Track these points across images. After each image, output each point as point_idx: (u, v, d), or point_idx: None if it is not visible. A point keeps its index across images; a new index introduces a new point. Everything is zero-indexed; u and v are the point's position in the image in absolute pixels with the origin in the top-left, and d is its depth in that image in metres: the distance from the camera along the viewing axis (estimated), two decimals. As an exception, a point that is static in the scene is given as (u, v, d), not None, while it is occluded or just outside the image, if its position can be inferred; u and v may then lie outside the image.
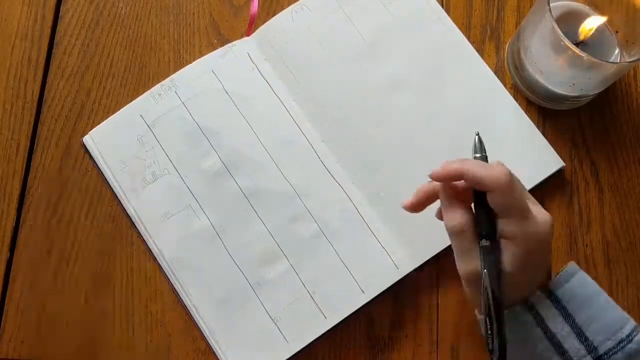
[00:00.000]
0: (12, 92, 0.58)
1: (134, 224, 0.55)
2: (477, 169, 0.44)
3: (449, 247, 0.47)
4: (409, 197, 0.47)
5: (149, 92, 0.57)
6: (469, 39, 0.60)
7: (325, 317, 0.52)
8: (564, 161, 0.57)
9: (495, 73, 0.59)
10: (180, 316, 0.54)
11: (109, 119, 0.56)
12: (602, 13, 0.56)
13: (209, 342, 0.52)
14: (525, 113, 0.58)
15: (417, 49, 0.59)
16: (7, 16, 0.60)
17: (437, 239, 0.53)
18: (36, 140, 0.57)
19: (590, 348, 0.44)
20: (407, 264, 0.53)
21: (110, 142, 0.56)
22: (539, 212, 0.45)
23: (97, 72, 0.59)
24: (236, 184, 0.55)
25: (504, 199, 0.43)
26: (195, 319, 0.53)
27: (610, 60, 0.56)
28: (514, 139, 0.57)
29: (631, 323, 0.45)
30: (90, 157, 0.56)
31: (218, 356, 0.52)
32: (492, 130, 0.56)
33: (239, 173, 0.56)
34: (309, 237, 0.54)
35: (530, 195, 0.47)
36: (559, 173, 0.56)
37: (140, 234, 0.55)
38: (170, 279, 0.54)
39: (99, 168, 0.56)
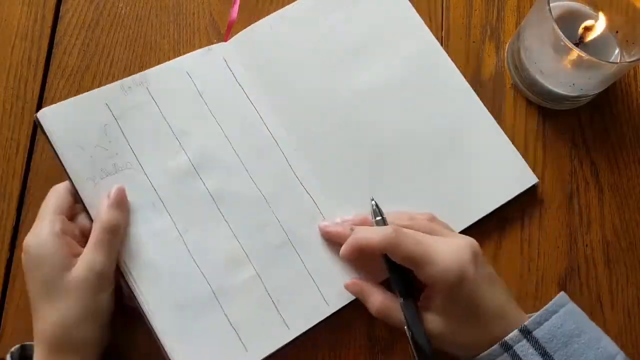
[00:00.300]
0: (12, 92, 0.58)
1: (88, 214, 0.51)
2: (367, 235, 0.48)
3: None
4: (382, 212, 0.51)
5: (118, 82, 0.55)
6: (468, 39, 0.60)
7: (288, 328, 0.51)
8: (564, 161, 0.57)
9: (496, 73, 0.59)
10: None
11: (69, 99, 0.54)
12: (602, 13, 0.56)
13: (162, 347, 0.49)
14: (525, 113, 0.59)
15: (395, 60, 0.58)
16: (7, 16, 0.60)
17: None
18: (36, 140, 0.57)
19: None
20: None
21: (69, 123, 0.53)
22: (446, 254, 0.45)
23: (97, 72, 0.59)
24: (203, 185, 0.54)
25: (397, 255, 0.46)
26: (150, 322, 0.50)
27: (610, 60, 0.56)
28: (488, 154, 0.56)
29: (616, 353, 0.44)
30: (45, 135, 0.53)
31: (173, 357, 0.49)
32: (467, 144, 0.56)
33: (207, 174, 0.54)
34: (276, 245, 0.53)
35: (444, 231, 0.49)
36: (534, 188, 0.56)
37: None
38: (127, 277, 0.51)
39: (54, 148, 0.52)
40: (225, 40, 0.59)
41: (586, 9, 0.57)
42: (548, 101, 0.58)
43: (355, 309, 0.53)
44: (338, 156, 0.56)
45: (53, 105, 0.53)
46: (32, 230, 0.48)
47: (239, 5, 0.60)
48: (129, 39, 0.60)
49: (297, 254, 0.53)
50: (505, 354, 0.44)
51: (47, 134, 0.52)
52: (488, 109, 0.58)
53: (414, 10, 0.60)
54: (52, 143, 0.52)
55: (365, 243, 0.48)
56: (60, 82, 0.58)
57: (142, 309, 0.50)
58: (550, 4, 0.50)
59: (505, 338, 0.44)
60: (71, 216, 0.51)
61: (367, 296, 0.50)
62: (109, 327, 0.49)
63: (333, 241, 0.52)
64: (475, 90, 0.59)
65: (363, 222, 0.52)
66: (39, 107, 0.58)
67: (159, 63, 0.58)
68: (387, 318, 0.48)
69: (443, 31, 0.61)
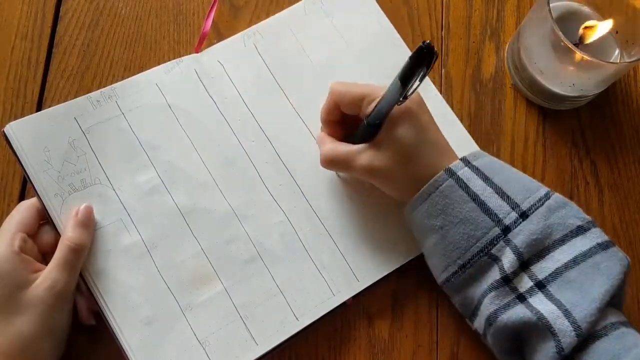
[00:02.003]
0: (12, 92, 0.58)
1: (56, 230, 0.51)
2: (322, 109, 0.53)
3: (391, 273, 0.53)
4: (353, 225, 0.54)
5: (86, 96, 0.54)
6: (468, 39, 0.60)
7: (257, 344, 0.51)
8: (564, 161, 0.57)
9: (496, 73, 0.60)
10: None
11: (37, 113, 0.54)
12: (602, 13, 0.56)
13: None
14: (525, 113, 0.59)
15: (369, 76, 0.57)
16: (7, 16, 0.60)
17: (377, 268, 0.53)
18: (36, 140, 0.57)
19: (513, 205, 0.47)
20: (345, 291, 0.52)
21: (37, 138, 0.52)
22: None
23: (97, 72, 0.59)
24: (172, 201, 0.53)
25: (345, 95, 0.51)
26: (118, 337, 0.49)
27: (610, 60, 0.56)
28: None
29: (545, 188, 0.48)
30: (12, 149, 0.52)
31: None
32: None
33: (177, 189, 0.54)
34: (245, 260, 0.52)
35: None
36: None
37: None
38: (94, 293, 0.50)
39: (21, 163, 0.52)
40: (197, 52, 0.58)
41: (586, 9, 0.57)
42: (548, 101, 0.58)
43: (355, 309, 0.53)
44: (311, 169, 0.55)
45: (20, 119, 0.53)
46: None
47: (214, 17, 0.60)
48: (129, 39, 0.60)
49: (267, 268, 0.53)
50: (450, 179, 0.47)
51: (15, 149, 0.52)
52: (488, 108, 0.58)
53: (390, 24, 0.59)
54: (20, 158, 0.52)
55: (322, 110, 0.53)
56: (60, 82, 0.58)
57: (109, 325, 0.50)
58: (550, 4, 0.50)
59: (450, 165, 0.48)
60: (35, 233, 0.50)
61: (321, 144, 0.52)
62: (66, 341, 0.50)
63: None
64: (475, 91, 0.59)
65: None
66: (39, 107, 0.58)
67: (159, 63, 0.58)
68: (334, 158, 0.51)
69: (443, 31, 0.61)
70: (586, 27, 0.55)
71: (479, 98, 0.59)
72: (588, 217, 0.47)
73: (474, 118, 0.58)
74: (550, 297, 0.45)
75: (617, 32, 0.56)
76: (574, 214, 0.47)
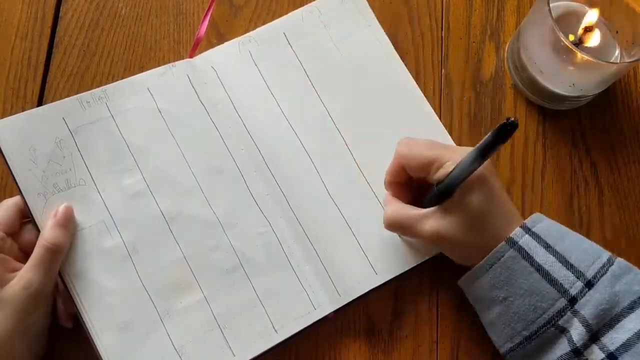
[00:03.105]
0: (12, 92, 0.58)
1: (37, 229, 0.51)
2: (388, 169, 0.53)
3: (376, 288, 0.53)
4: (336, 238, 0.54)
5: (77, 96, 0.54)
6: (468, 39, 0.60)
7: (234, 355, 0.50)
8: (564, 161, 0.57)
9: (495, 73, 0.60)
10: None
11: (26, 112, 0.53)
12: (602, 13, 0.56)
13: None
14: (525, 113, 0.59)
15: (363, 90, 0.58)
16: (7, 16, 0.60)
17: (361, 282, 0.53)
18: (36, 140, 0.57)
19: (578, 274, 0.46)
20: (326, 305, 0.52)
21: (22, 136, 0.52)
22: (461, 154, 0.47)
23: (97, 72, 0.59)
24: (157, 206, 0.53)
25: (412, 158, 0.50)
26: (93, 340, 0.49)
27: (610, 61, 0.56)
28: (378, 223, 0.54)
29: (607, 252, 0.47)
30: None
31: None
32: (355, 211, 0.55)
33: (162, 194, 0.53)
34: (227, 269, 0.52)
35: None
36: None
37: None
38: (72, 294, 0.50)
39: (6, 161, 0.52)
40: (191, 57, 0.58)
41: (586, 9, 0.57)
42: (548, 101, 0.58)
43: (355, 309, 0.53)
44: (298, 180, 0.55)
45: (8, 118, 0.52)
46: None
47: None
48: (129, 39, 0.60)
49: (248, 279, 0.52)
50: (512, 250, 0.46)
51: (1, 147, 0.52)
52: (488, 108, 0.58)
53: (387, 40, 0.59)
54: (5, 156, 0.52)
55: (388, 172, 0.52)
56: (60, 82, 0.58)
57: (86, 327, 0.49)
58: (550, 4, 0.50)
59: (510, 235, 0.47)
60: (16, 231, 0.50)
61: (386, 205, 0.52)
62: (45, 338, 0.50)
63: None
64: (475, 91, 0.59)
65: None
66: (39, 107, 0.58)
67: (159, 63, 0.58)
68: (398, 221, 0.50)
69: (443, 31, 0.61)
70: (586, 28, 0.55)
71: (479, 98, 0.59)
72: None
73: (474, 118, 0.58)
74: None
75: (617, 32, 0.56)
76: (639, 280, 0.46)
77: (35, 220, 0.51)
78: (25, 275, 0.47)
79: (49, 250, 0.48)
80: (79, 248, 0.51)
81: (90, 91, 0.54)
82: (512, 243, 0.46)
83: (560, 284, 0.45)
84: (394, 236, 0.54)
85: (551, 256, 0.46)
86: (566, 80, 0.54)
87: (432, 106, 0.58)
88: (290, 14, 0.59)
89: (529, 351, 0.47)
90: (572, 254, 0.46)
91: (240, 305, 0.51)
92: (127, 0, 0.61)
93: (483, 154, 0.43)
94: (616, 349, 0.44)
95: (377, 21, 0.59)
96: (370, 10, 0.60)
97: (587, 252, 0.47)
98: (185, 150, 0.55)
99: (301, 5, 0.60)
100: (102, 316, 0.50)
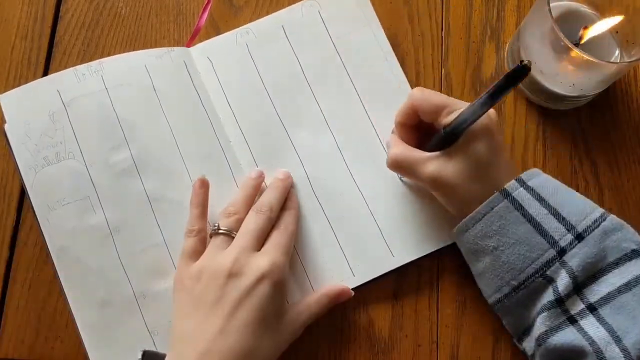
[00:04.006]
0: (12, 92, 0.58)
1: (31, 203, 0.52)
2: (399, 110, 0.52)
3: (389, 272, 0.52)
4: (317, 240, 0.54)
5: (73, 68, 0.54)
6: (468, 39, 0.60)
7: None
8: (564, 161, 0.57)
9: (496, 73, 0.60)
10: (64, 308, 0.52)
11: (26, 85, 0.54)
12: (602, 13, 0.56)
13: (82, 340, 0.51)
14: (526, 113, 0.59)
15: (358, 89, 0.57)
16: (7, 16, 0.60)
17: (377, 264, 0.53)
18: (36, 140, 0.57)
19: (569, 227, 0.46)
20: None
21: (20, 109, 0.53)
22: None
23: (97, 72, 0.59)
24: (142, 186, 0.53)
25: (425, 103, 0.50)
26: (73, 316, 0.51)
27: (610, 61, 0.56)
28: (400, 207, 0.55)
29: (600, 208, 0.48)
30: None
31: (91, 355, 0.50)
32: (377, 195, 0.55)
33: (148, 175, 0.53)
34: None
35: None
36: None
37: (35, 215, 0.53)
38: (56, 268, 0.51)
39: (6, 135, 0.53)
40: (188, 46, 0.58)
41: (586, 9, 0.57)
42: (548, 101, 0.58)
43: (355, 308, 0.53)
44: (293, 171, 0.55)
45: (8, 92, 0.53)
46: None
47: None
48: (129, 39, 0.60)
49: None
50: (506, 200, 0.47)
51: (5, 119, 0.52)
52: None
53: (387, 42, 0.58)
54: (5, 131, 0.52)
55: (398, 112, 0.52)
56: (60, 82, 0.58)
57: (67, 302, 0.50)
58: (550, 4, 0.50)
59: (505, 186, 0.47)
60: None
61: (391, 145, 0.52)
62: None
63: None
64: (475, 91, 0.59)
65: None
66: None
67: (159, 63, 0.57)
68: (402, 161, 0.51)
69: (443, 31, 0.61)
70: (586, 28, 0.55)
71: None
72: None
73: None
74: (601, 321, 0.44)
75: (617, 32, 0.56)
76: (629, 237, 0.47)
77: (29, 194, 0.51)
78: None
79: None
80: (64, 223, 0.51)
81: (86, 63, 0.54)
82: (506, 194, 0.47)
83: (551, 235, 0.46)
84: (413, 220, 0.54)
85: (544, 209, 0.47)
86: (566, 80, 0.54)
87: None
88: (290, 7, 0.59)
89: (516, 301, 0.48)
90: (565, 208, 0.47)
91: None
92: (127, 0, 0.61)
93: (493, 97, 0.43)
94: (596, 301, 0.45)
95: (377, 20, 0.59)
96: (371, 7, 0.59)
97: (580, 206, 0.47)
98: (175, 133, 0.54)
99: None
100: (81, 293, 0.50)
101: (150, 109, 0.55)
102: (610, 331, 0.44)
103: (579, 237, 0.46)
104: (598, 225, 0.46)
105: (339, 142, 0.56)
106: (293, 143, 0.56)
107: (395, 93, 0.57)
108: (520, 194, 0.47)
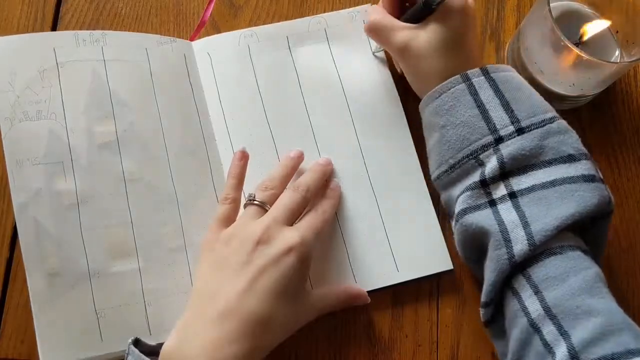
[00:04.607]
0: (12, 92, 0.58)
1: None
2: None
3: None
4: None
5: (74, 31, 0.54)
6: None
7: (151, 334, 0.50)
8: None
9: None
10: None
11: (22, 35, 0.53)
12: (602, 13, 0.56)
13: (32, 307, 0.49)
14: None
15: (351, 110, 0.57)
16: (7, 16, 0.60)
17: (381, 276, 0.53)
18: (36, 140, 0.57)
19: (514, 120, 0.48)
20: None
21: (8, 56, 0.52)
22: None
23: (97, 72, 0.59)
24: (120, 163, 0.52)
25: None
26: (27, 278, 0.49)
27: (611, 60, 0.56)
28: (414, 225, 0.54)
29: (555, 113, 0.49)
30: None
31: (35, 323, 0.49)
32: (394, 207, 0.55)
33: (129, 154, 0.52)
34: (170, 247, 0.52)
35: None
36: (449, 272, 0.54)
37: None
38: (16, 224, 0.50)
39: None
40: (192, 40, 0.58)
41: (586, 9, 0.57)
42: (548, 101, 0.58)
43: (355, 308, 0.53)
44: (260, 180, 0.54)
45: (6, 37, 0.52)
46: None
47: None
48: (129, 38, 0.60)
49: (188, 263, 0.52)
50: (463, 84, 0.49)
51: None
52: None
53: (388, 72, 0.58)
54: None
55: None
56: (60, 82, 0.58)
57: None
58: (550, 4, 0.50)
59: (467, 71, 0.49)
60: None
61: (371, 12, 0.53)
62: None
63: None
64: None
65: None
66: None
67: (159, 63, 0.57)
68: (378, 25, 0.52)
69: (443, 31, 0.61)
70: (585, 26, 0.55)
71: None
72: (584, 149, 0.48)
73: (474, 118, 0.58)
74: (517, 207, 0.46)
75: (617, 32, 0.56)
76: (570, 143, 0.48)
77: (4, 145, 0.50)
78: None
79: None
80: (31, 182, 0.50)
81: (89, 30, 0.54)
82: (466, 78, 0.49)
83: (494, 123, 0.48)
84: (424, 239, 0.54)
85: (497, 99, 0.48)
86: (566, 80, 0.54)
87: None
88: (297, 19, 0.59)
89: (450, 179, 0.50)
90: (518, 104, 0.48)
91: (171, 286, 0.51)
92: (127, 0, 0.61)
93: None
94: (519, 190, 0.47)
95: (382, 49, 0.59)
96: None
97: (534, 106, 0.48)
98: (163, 120, 0.54)
99: (301, 7, 0.60)
100: (35, 256, 0.49)
101: (143, 90, 0.54)
102: (522, 217, 0.45)
103: (520, 131, 0.47)
104: (543, 125, 0.47)
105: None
106: (277, 151, 0.56)
107: (389, 125, 0.57)
108: (479, 81, 0.49)
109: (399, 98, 0.57)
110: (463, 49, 0.50)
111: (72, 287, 0.49)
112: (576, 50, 0.50)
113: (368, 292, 0.52)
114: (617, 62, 0.55)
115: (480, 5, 0.61)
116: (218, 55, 0.58)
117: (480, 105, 0.48)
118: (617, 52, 0.56)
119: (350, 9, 0.60)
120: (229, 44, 0.58)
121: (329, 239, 0.54)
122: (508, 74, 0.50)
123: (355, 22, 0.59)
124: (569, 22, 0.55)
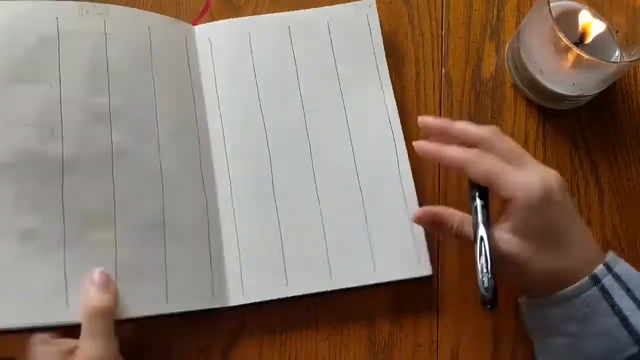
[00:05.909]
0: (12, 92, 0.58)
1: None
2: (453, 153, 0.48)
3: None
4: (283, 230, 0.53)
5: (78, 2, 0.53)
6: (468, 39, 0.60)
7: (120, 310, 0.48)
8: (564, 161, 0.57)
9: (496, 73, 0.60)
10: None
11: (27, 2, 0.52)
12: (602, 13, 0.56)
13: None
14: (526, 113, 0.59)
15: (347, 111, 0.57)
16: (7, 16, 0.60)
17: (358, 274, 0.53)
18: (36, 140, 0.57)
19: None
20: (250, 294, 0.51)
21: (8, 22, 0.51)
22: (530, 171, 0.45)
23: (97, 71, 0.59)
24: (109, 134, 0.51)
25: (477, 167, 0.46)
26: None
27: (611, 60, 0.56)
28: (397, 229, 0.54)
29: None
30: None
31: None
32: (379, 210, 0.54)
33: (119, 127, 0.52)
34: (148, 223, 0.51)
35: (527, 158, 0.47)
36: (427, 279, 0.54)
37: None
38: None
39: None
40: (194, 24, 0.59)
41: (586, 9, 0.57)
42: (548, 101, 0.58)
43: (355, 308, 0.53)
44: (262, 171, 0.55)
45: (8, 1, 0.51)
46: None
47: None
48: (129, 38, 0.60)
49: (165, 243, 0.51)
50: (595, 288, 0.44)
51: None
52: (488, 108, 0.58)
53: (386, 69, 0.58)
54: None
55: (448, 155, 0.48)
56: (60, 82, 0.58)
57: None
58: (550, 4, 0.50)
59: (595, 271, 0.44)
60: None
61: (446, 217, 0.48)
62: None
63: (427, 133, 0.50)
64: (475, 90, 0.59)
65: (446, 128, 0.50)
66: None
67: (159, 63, 0.57)
68: (466, 233, 0.47)
69: (443, 31, 0.61)
70: (585, 26, 0.55)
71: (479, 98, 0.59)
72: None
73: (474, 118, 0.58)
74: None
75: (617, 32, 0.56)
76: None
77: None
78: (84, 350, 0.44)
79: (99, 317, 0.46)
80: (13, 142, 0.49)
81: (92, 2, 0.54)
82: (596, 281, 0.44)
83: (636, 332, 0.44)
84: (405, 241, 0.53)
85: (632, 303, 0.44)
86: (566, 80, 0.54)
87: (432, 106, 0.58)
88: (301, 11, 0.59)
89: None
90: None
91: (145, 263, 0.50)
92: (127, 0, 0.61)
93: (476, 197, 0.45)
94: None
95: (383, 53, 0.58)
96: (380, 38, 0.58)
97: None
98: (159, 97, 0.54)
99: (301, 6, 0.60)
100: (10, 216, 0.47)
101: (141, 68, 0.54)
102: None
103: None
104: None
105: (314, 159, 0.55)
106: (268, 141, 0.56)
107: (383, 122, 0.57)
108: (609, 281, 0.44)
109: (395, 106, 0.57)
110: (579, 236, 0.46)
111: (45, 253, 0.48)
112: (576, 50, 0.50)
113: (346, 289, 0.52)
114: (617, 62, 0.55)
115: (480, 5, 0.61)
116: (218, 41, 0.58)
117: (619, 313, 0.44)
118: (617, 52, 0.56)
119: (354, 2, 0.60)
120: (229, 30, 0.58)
121: (309, 231, 0.53)
122: (623, 267, 0.45)
123: (358, 16, 0.59)
124: (569, 22, 0.55)
